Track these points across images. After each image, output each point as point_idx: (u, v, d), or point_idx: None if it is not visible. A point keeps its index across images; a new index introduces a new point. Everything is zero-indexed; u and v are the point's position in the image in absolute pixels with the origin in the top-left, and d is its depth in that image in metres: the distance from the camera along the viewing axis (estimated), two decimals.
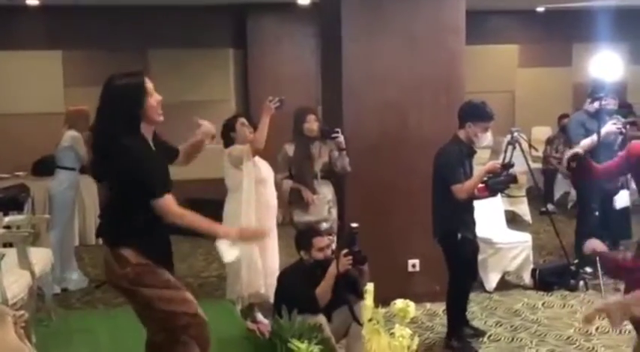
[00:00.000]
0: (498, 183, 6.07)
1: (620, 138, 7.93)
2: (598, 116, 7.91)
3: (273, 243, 6.55)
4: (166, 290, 4.11)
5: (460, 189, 5.91)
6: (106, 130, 4.00)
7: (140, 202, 3.99)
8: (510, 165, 6.18)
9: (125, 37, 11.53)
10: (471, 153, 6.15)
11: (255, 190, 6.32)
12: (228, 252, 6.26)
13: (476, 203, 6.21)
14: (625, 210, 8.66)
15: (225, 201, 6.52)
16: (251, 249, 6.29)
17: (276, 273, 6.36)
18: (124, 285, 4.11)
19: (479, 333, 6.47)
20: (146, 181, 3.96)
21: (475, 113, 6.02)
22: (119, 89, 4.00)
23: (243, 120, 6.49)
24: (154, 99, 4.04)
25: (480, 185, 6.00)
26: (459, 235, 6.00)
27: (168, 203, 3.98)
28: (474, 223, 6.20)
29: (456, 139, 6.08)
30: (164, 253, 4.21)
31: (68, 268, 8.18)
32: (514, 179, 6.22)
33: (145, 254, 4.05)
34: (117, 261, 4.05)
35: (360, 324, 5.26)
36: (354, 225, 5.38)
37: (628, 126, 7.99)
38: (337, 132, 6.60)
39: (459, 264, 6.12)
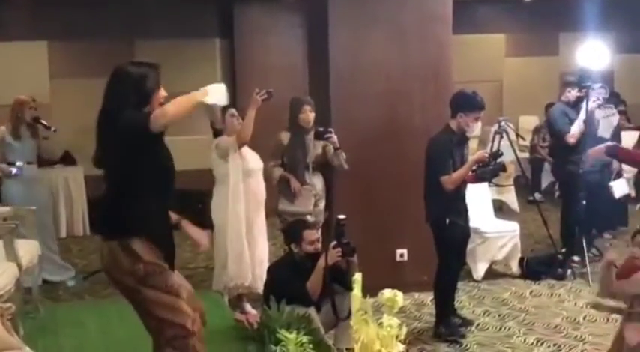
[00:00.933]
0: (487, 172, 6.11)
1: (613, 127, 8.00)
2: (577, 106, 7.96)
3: (261, 233, 6.55)
4: (167, 295, 4.03)
5: (448, 180, 5.96)
6: (113, 110, 3.95)
7: (145, 183, 3.96)
8: (499, 154, 6.20)
9: (111, 28, 11.45)
10: (463, 141, 6.19)
11: (243, 181, 6.31)
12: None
13: (467, 187, 6.26)
14: (624, 198, 8.74)
15: (213, 192, 6.51)
16: (239, 240, 6.29)
17: (265, 264, 6.36)
18: (128, 282, 4.00)
19: (467, 323, 6.50)
20: (134, 119, 3.88)
21: (467, 103, 6.06)
22: (135, 73, 4.01)
23: (232, 111, 6.46)
24: (162, 93, 4.06)
25: (469, 174, 6.03)
26: (447, 220, 6.04)
27: (156, 113, 3.86)
28: (465, 210, 6.25)
29: (448, 129, 6.12)
30: (171, 247, 4.16)
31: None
32: (503, 168, 6.25)
33: (155, 247, 3.98)
34: (128, 256, 3.94)
35: (340, 318, 5.28)
36: (342, 216, 5.38)
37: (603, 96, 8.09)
38: (330, 132, 6.57)
39: (447, 249, 6.16)
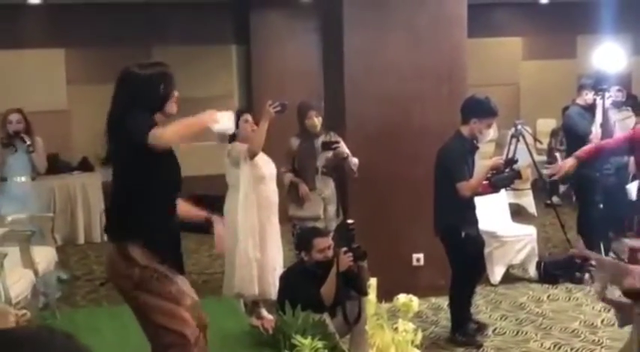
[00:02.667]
0: (502, 179, 6.02)
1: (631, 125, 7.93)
2: (593, 108, 7.91)
3: (275, 239, 6.52)
4: (166, 302, 3.97)
5: (465, 187, 5.86)
6: (120, 115, 3.92)
7: (148, 189, 3.92)
8: (514, 161, 6.13)
9: (128, 35, 11.52)
10: (474, 149, 6.10)
11: (255, 188, 6.30)
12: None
13: (479, 197, 6.19)
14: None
15: (226, 197, 6.52)
16: (247, 250, 6.27)
17: (279, 270, 6.35)
18: (126, 286, 3.99)
19: (482, 327, 6.45)
20: (132, 129, 3.80)
21: (480, 109, 5.97)
22: (143, 75, 3.97)
23: (247, 116, 6.46)
24: (175, 93, 4.04)
25: (484, 182, 5.96)
26: (463, 233, 5.96)
27: (155, 132, 3.76)
28: (476, 220, 6.16)
29: (459, 135, 6.02)
30: (174, 253, 4.10)
31: None
32: (518, 175, 6.16)
33: (154, 253, 3.93)
34: (124, 260, 3.92)
35: (349, 323, 5.26)
36: (350, 221, 5.37)
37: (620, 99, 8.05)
38: (338, 143, 6.55)
39: (463, 261, 6.08)
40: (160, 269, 3.95)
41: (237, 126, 6.41)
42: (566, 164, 6.18)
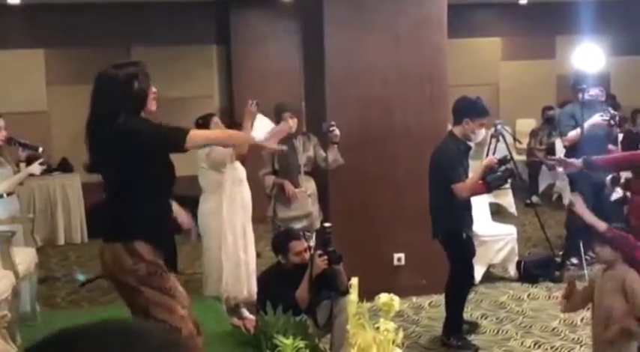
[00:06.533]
0: (496, 178, 5.99)
1: (615, 131, 7.94)
2: (592, 107, 7.90)
3: (252, 242, 6.61)
4: (167, 298, 4.06)
5: (462, 188, 5.83)
6: (107, 116, 3.97)
7: (147, 187, 4.05)
8: (507, 159, 6.12)
9: (108, 35, 11.46)
10: (467, 149, 6.10)
11: (237, 190, 6.40)
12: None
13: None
14: (621, 199, 8.72)
15: (201, 200, 6.57)
16: (236, 252, 6.35)
17: (255, 271, 6.44)
18: (129, 282, 4.05)
19: (473, 327, 6.46)
20: (167, 135, 4.05)
21: (472, 109, 5.96)
22: (121, 76, 4.02)
23: (216, 119, 6.53)
24: (152, 89, 4.12)
25: (479, 181, 5.96)
26: (464, 235, 5.97)
27: (197, 132, 4.17)
28: (472, 221, 6.18)
29: (452, 136, 6.01)
30: (172, 250, 4.24)
31: None
32: (511, 174, 6.18)
33: (157, 249, 4.05)
34: (130, 256, 4.00)
35: (318, 327, 5.27)
36: (328, 224, 5.38)
37: (617, 118, 7.96)
38: (333, 125, 6.60)
39: (464, 262, 6.07)
40: (162, 265, 4.07)
41: (208, 128, 6.47)
42: (574, 164, 6.11)
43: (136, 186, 4.04)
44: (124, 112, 3.95)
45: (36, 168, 6.93)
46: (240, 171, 6.53)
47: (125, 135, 3.95)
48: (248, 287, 6.43)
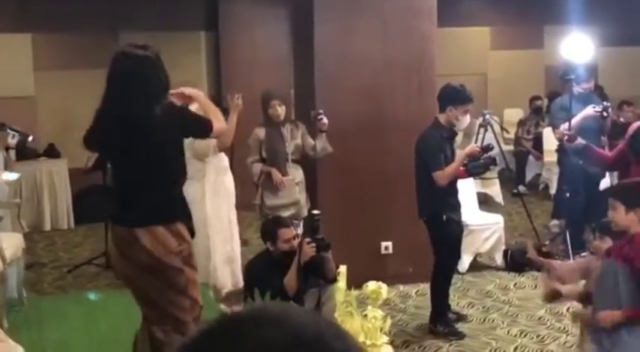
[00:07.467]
0: (478, 166, 6.07)
1: (608, 123, 7.95)
2: (584, 99, 7.89)
3: (236, 230, 6.64)
4: (196, 275, 4.34)
5: (440, 176, 5.90)
6: (150, 98, 4.13)
7: (182, 168, 4.33)
8: (489, 148, 6.20)
9: (96, 20, 11.39)
10: (452, 135, 6.19)
11: (220, 179, 6.44)
12: None
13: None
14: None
15: (185, 188, 6.60)
16: (228, 243, 6.41)
17: (239, 260, 6.47)
18: (175, 264, 4.14)
19: (461, 318, 6.49)
20: (200, 121, 4.40)
21: (455, 96, 6.02)
22: (153, 57, 4.19)
23: (196, 105, 6.54)
24: None
25: (460, 168, 6.01)
26: (444, 217, 6.01)
27: (221, 127, 4.54)
28: (459, 205, 6.22)
29: (437, 123, 6.07)
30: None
31: None
32: (493, 161, 6.26)
33: (188, 229, 4.25)
34: (175, 237, 4.13)
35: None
36: (316, 212, 5.39)
37: (610, 110, 7.95)
38: (321, 113, 6.60)
39: (445, 245, 6.12)
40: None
41: None
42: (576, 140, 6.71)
43: (176, 170, 4.25)
44: (163, 94, 4.15)
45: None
46: (224, 159, 6.55)
47: (182, 117, 4.25)
48: (233, 277, 6.45)
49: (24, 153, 9.06)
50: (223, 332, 1.13)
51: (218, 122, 6.09)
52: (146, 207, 4.18)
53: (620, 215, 4.15)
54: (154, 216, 4.15)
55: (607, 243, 4.49)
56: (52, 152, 10.50)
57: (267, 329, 1.11)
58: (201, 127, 4.42)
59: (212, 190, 6.36)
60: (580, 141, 6.63)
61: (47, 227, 10.09)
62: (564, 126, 7.71)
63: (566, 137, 7.05)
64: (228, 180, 6.60)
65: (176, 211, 4.22)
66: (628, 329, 4.04)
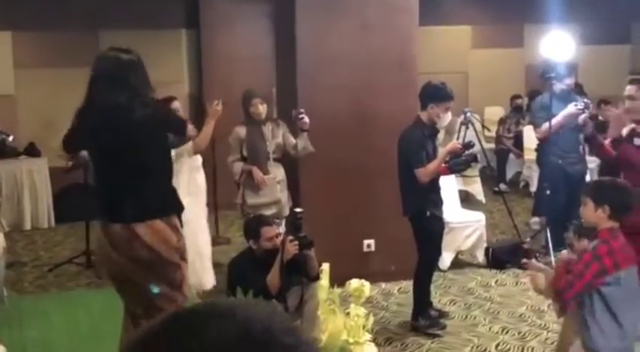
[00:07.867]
0: (459, 163, 6.14)
1: (590, 122, 7.98)
2: (565, 97, 7.91)
3: (206, 228, 6.69)
4: (187, 269, 4.37)
5: (422, 173, 5.94)
6: (138, 97, 4.18)
7: (171, 164, 4.40)
8: (471, 145, 6.25)
9: (76, 18, 11.31)
10: (434, 133, 6.23)
11: (193, 177, 6.50)
12: None
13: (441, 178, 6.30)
14: None
15: None
16: (207, 245, 6.46)
17: (210, 259, 6.54)
18: (174, 259, 4.18)
19: (443, 315, 6.50)
20: (179, 119, 4.69)
21: (436, 94, 6.06)
22: (137, 60, 4.25)
23: (177, 104, 6.61)
24: None
25: (442, 165, 6.05)
26: (428, 213, 6.05)
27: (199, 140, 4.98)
28: (441, 201, 6.26)
29: (418, 121, 6.11)
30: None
31: None
32: (475, 158, 6.31)
33: (179, 220, 4.30)
34: (174, 232, 4.16)
35: (288, 312, 5.31)
36: (299, 210, 5.38)
37: (590, 106, 7.98)
38: (302, 112, 6.60)
39: (428, 240, 6.16)
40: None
41: None
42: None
43: (167, 164, 4.31)
44: (152, 93, 4.24)
45: None
46: (197, 159, 6.68)
47: (167, 115, 4.44)
48: (204, 275, 6.53)
49: (4, 151, 8.99)
50: (173, 327, 1.14)
51: (200, 137, 6.29)
52: (143, 201, 4.18)
53: (589, 211, 4.19)
54: (153, 210, 4.17)
55: (583, 243, 4.53)
56: (32, 151, 10.43)
57: (216, 322, 1.12)
58: (179, 125, 4.67)
59: (186, 190, 6.37)
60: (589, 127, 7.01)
61: (27, 226, 10.04)
62: (545, 126, 7.75)
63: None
64: (200, 178, 6.74)
65: (173, 203, 4.29)
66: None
